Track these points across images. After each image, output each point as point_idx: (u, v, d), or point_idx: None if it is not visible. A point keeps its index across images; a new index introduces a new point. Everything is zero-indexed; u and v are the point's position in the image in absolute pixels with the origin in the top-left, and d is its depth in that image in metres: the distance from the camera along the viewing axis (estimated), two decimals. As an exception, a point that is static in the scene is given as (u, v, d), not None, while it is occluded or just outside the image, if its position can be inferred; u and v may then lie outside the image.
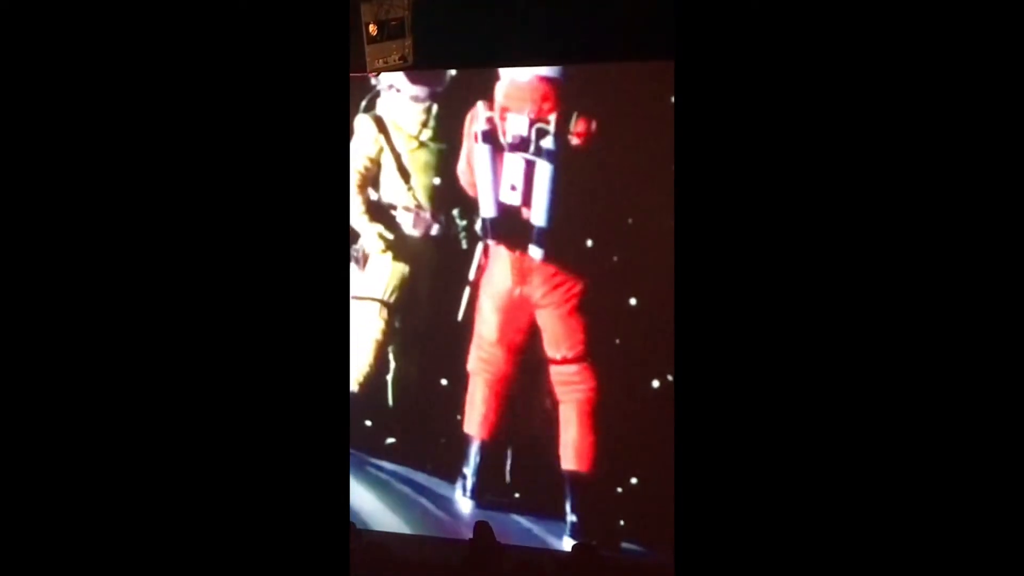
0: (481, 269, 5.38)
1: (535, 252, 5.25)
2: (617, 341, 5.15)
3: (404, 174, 5.50)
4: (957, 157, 1.95)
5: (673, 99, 4.21)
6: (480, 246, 5.37)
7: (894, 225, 1.98)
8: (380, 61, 4.00)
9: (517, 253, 5.29)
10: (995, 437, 1.94)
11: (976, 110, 1.94)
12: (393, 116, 5.50)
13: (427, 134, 5.45)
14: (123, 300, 2.12)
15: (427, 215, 5.45)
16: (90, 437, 2.10)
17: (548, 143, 5.16)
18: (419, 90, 5.41)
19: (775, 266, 2.03)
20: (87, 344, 2.11)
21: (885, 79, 1.98)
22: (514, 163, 5.24)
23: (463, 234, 5.40)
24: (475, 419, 5.43)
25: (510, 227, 5.30)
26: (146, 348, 2.12)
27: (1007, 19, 1.90)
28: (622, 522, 5.17)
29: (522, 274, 5.28)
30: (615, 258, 5.14)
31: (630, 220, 5.09)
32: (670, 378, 4.91)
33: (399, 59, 4.08)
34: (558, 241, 5.24)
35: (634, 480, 5.14)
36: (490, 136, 5.27)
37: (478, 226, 5.37)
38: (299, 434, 2.14)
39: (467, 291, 5.40)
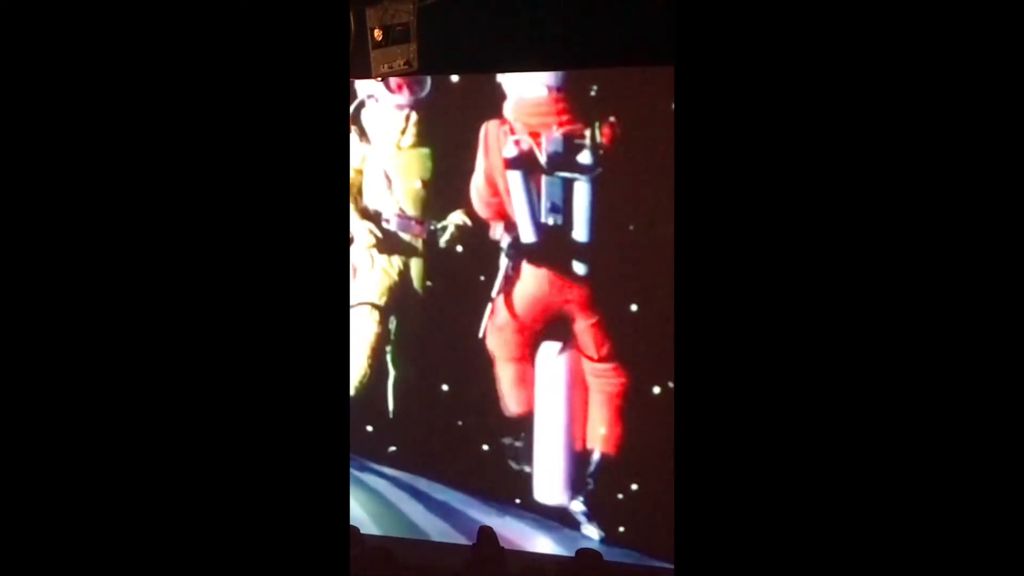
0: (510, 284, 5.39)
1: (579, 268, 5.27)
2: (618, 347, 5.17)
3: (389, 181, 5.54)
4: (960, 164, 1.96)
5: (673, 105, 4.23)
6: (507, 263, 5.38)
7: (897, 231, 1.98)
8: (385, 66, 4.01)
9: (551, 270, 5.31)
10: (996, 444, 1.94)
11: (979, 124, 1.95)
12: (374, 125, 5.55)
13: (408, 141, 5.49)
14: (123, 307, 2.11)
15: (415, 220, 5.49)
16: (89, 443, 2.10)
17: (585, 158, 5.18)
18: (398, 98, 5.47)
19: (777, 273, 2.03)
20: (86, 350, 2.11)
21: (887, 86, 1.98)
22: (554, 184, 5.25)
23: (451, 237, 5.43)
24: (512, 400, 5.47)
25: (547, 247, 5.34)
26: (146, 355, 2.11)
27: (1007, 19, 1.91)
28: (622, 528, 5.19)
29: (557, 289, 5.31)
30: (617, 264, 5.16)
31: (631, 227, 5.11)
32: (671, 384, 4.93)
33: (404, 64, 4.09)
34: (596, 258, 5.27)
35: (635, 486, 5.15)
36: (524, 159, 5.28)
37: (505, 242, 5.38)
38: (299, 439, 2.13)
39: (489, 307, 5.42)
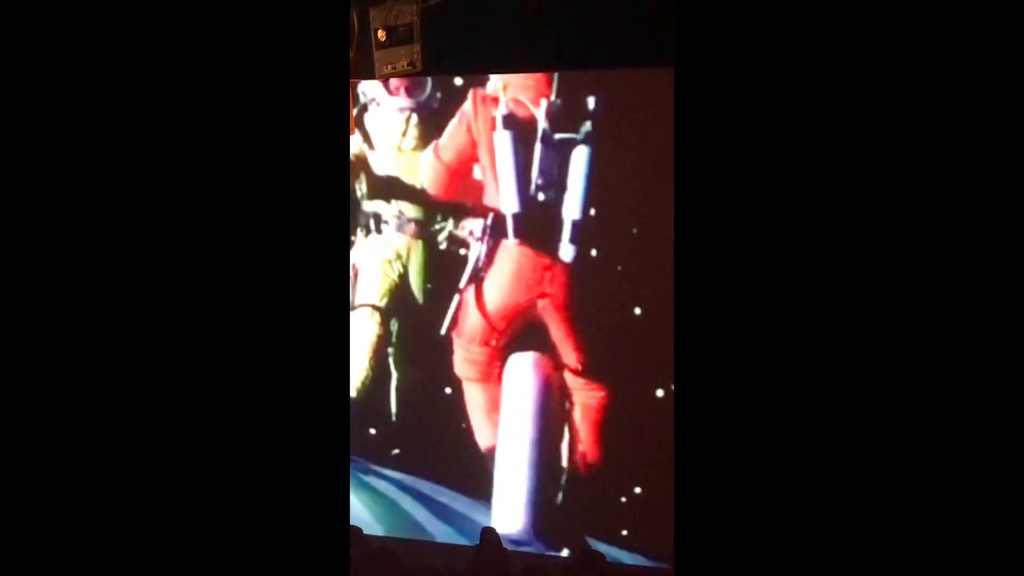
0: (484, 268, 5.39)
1: (566, 252, 5.23)
2: (621, 350, 5.17)
3: (390, 183, 5.57)
4: (958, 167, 1.96)
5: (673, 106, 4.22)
6: (484, 244, 5.38)
7: (896, 232, 1.98)
8: (388, 67, 4.01)
9: (541, 253, 5.28)
10: (995, 446, 1.94)
11: (976, 129, 1.94)
12: (375, 127, 5.57)
13: (408, 143, 5.50)
14: (124, 309, 2.11)
15: (415, 222, 5.50)
16: (91, 446, 2.10)
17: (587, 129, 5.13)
18: (399, 101, 5.49)
19: (778, 275, 2.03)
20: (87, 352, 2.11)
21: (887, 88, 1.98)
22: (549, 155, 5.18)
23: (446, 238, 5.44)
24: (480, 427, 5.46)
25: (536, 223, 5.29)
26: (147, 357, 2.11)
27: (1007, 20, 1.91)
28: (625, 532, 5.19)
29: (541, 275, 5.29)
30: (619, 267, 5.16)
31: (634, 230, 5.12)
32: (674, 387, 4.92)
33: (407, 64, 4.09)
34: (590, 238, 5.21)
35: (638, 489, 5.15)
36: (514, 122, 5.22)
37: (476, 225, 5.38)
38: (299, 440, 2.13)
39: (456, 297, 5.43)
